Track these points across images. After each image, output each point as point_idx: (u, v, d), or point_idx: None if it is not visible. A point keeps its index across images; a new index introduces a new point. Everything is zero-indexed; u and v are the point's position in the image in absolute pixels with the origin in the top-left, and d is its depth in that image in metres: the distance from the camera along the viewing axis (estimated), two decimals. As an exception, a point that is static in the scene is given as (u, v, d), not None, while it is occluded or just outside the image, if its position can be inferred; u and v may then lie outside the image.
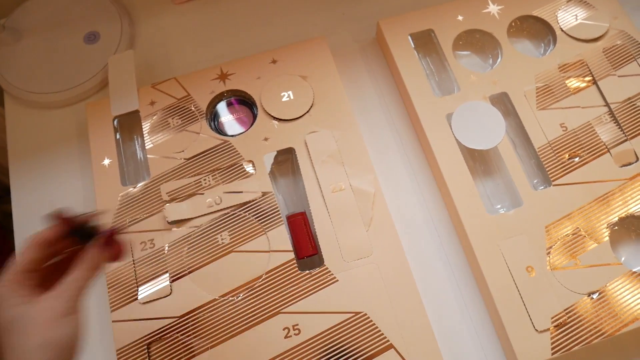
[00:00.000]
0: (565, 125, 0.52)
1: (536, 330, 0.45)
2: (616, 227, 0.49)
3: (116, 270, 0.48)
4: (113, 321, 0.47)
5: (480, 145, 0.51)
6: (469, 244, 0.48)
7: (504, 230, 0.48)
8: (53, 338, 0.31)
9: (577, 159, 0.51)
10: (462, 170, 0.50)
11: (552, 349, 0.44)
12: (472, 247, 0.47)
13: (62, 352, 0.31)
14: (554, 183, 0.50)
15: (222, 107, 0.56)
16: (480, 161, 0.53)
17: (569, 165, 0.50)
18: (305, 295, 0.46)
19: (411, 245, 0.50)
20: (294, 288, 0.46)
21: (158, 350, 0.46)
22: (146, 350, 0.45)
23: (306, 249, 0.48)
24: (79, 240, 0.37)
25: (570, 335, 0.44)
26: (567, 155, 0.51)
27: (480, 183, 0.52)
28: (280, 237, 0.48)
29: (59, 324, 0.31)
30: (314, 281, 0.47)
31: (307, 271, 0.47)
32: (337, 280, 0.47)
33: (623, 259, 0.48)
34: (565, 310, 0.45)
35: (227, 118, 0.55)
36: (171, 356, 0.45)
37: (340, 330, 0.45)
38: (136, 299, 0.47)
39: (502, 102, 0.54)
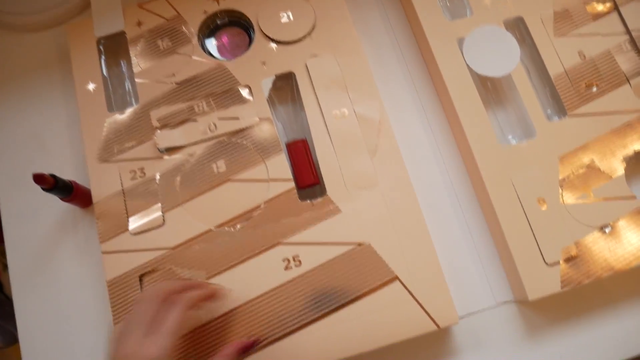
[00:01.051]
0: (584, 54, 0.49)
1: (546, 263, 0.43)
2: (632, 161, 0.47)
3: (104, 200, 0.45)
4: (103, 252, 0.44)
5: (493, 72, 0.48)
6: (479, 175, 0.45)
7: (515, 161, 0.45)
8: None
9: (594, 89, 0.48)
10: (474, 98, 0.47)
11: (562, 282, 0.42)
12: (482, 177, 0.45)
13: None
14: (569, 113, 0.47)
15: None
16: (492, 90, 0.50)
17: (586, 96, 0.48)
18: (306, 226, 0.44)
19: (418, 176, 0.47)
20: (294, 218, 0.44)
21: (151, 281, 0.43)
22: (138, 282, 0.43)
23: (307, 177, 0.45)
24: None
25: (580, 269, 0.43)
26: (584, 85, 0.48)
27: (491, 112, 0.49)
28: (280, 165, 0.45)
29: None
30: (316, 211, 0.44)
31: (309, 201, 0.45)
32: (340, 211, 0.44)
33: (638, 193, 0.46)
34: (576, 243, 0.43)
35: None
36: (165, 288, 0.43)
37: (344, 261, 0.43)
38: (127, 230, 0.45)
39: (518, 27, 0.51)
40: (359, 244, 0.43)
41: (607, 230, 0.44)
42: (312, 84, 0.47)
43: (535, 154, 0.46)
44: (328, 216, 0.44)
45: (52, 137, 0.50)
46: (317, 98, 0.47)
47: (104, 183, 0.46)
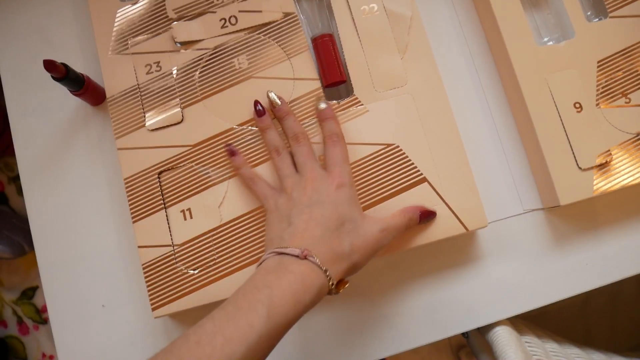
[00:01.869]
0: (629, -49, 0.46)
1: (580, 168, 0.42)
2: (673, 66, 0.45)
3: (119, 95, 0.43)
4: (119, 149, 0.42)
5: (532, -32, 0.45)
6: (514, 77, 0.43)
7: (552, 63, 0.43)
8: (366, 256, 0.36)
9: (638, -10, 0.45)
10: (511, -3, 0.44)
11: (595, 187, 0.41)
12: (518, 79, 0.43)
13: (357, 266, 0.36)
14: (610, 15, 0.44)
15: None
16: (530, -11, 0.47)
17: (628, -4, 0.45)
18: (332, 125, 0.42)
19: (448, 78, 0.45)
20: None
21: (170, 179, 0.42)
22: (157, 179, 0.42)
23: (334, 74, 0.43)
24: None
25: (613, 175, 0.42)
26: (627, -15, 0.45)
27: (529, 14, 0.47)
28: (305, 63, 0.43)
29: (372, 252, 0.37)
30: (343, 111, 0.42)
31: (335, 101, 0.42)
32: (368, 111, 0.42)
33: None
34: (611, 149, 0.42)
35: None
36: (185, 185, 0.41)
37: (370, 161, 0.41)
38: (143, 125, 0.42)
39: None
40: (387, 145, 0.42)
41: (643, 136, 0.43)
42: (340, -24, 0.44)
43: (573, 56, 0.43)
44: (355, 116, 0.42)
45: (60, 30, 0.47)
46: (345, -8, 0.44)
47: (117, 77, 0.43)
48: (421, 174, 0.41)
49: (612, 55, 0.44)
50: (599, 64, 0.44)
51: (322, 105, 0.41)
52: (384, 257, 0.42)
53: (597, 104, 0.43)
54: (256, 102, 0.41)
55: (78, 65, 0.45)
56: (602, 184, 0.41)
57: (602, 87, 0.43)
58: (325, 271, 0.34)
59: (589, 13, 0.46)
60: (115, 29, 0.44)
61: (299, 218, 0.36)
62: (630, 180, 0.42)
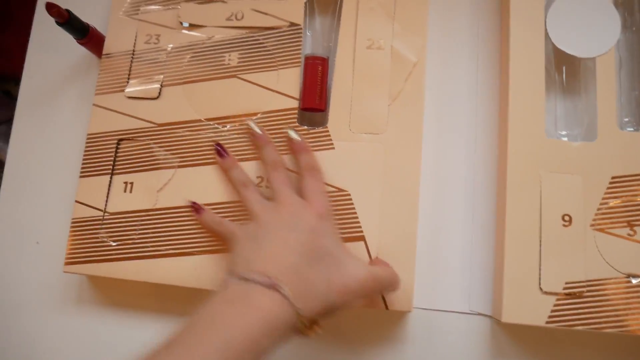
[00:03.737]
0: None
1: (541, 289, 0.36)
2: None
3: (114, 54, 0.44)
4: (94, 105, 0.43)
5: (576, 50, 0.38)
6: (505, 162, 0.38)
7: (556, 162, 0.37)
8: (344, 299, 0.31)
9: (698, 111, 0.37)
10: (537, 75, 0.38)
11: (550, 317, 0.35)
12: (507, 165, 0.37)
13: (333, 309, 0.31)
14: (650, 130, 0.37)
15: None
16: (565, 72, 0.41)
17: (683, 115, 0.37)
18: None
19: (435, 141, 0.41)
20: (284, 139, 0.40)
21: (127, 149, 0.42)
22: (115, 145, 0.42)
23: (312, 100, 0.40)
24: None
25: (581, 311, 0.35)
26: (686, 102, 0.38)
27: (553, 99, 0.40)
28: (292, 79, 0.41)
29: (352, 296, 0.32)
30: (309, 140, 0.39)
31: (305, 127, 0.40)
32: (334, 148, 0.39)
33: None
34: (588, 281, 0.35)
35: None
36: (137, 160, 0.42)
37: (315, 200, 0.38)
38: (122, 90, 0.43)
39: (630, 5, 0.40)
40: (338, 189, 0.38)
41: (634, 281, 0.35)
42: (358, 1, 0.41)
43: (584, 161, 0.37)
44: (319, 149, 0.39)
45: None
46: (357, 17, 0.41)
47: (119, 37, 0.44)
48: (361, 231, 0.38)
49: (635, 175, 0.37)
50: (614, 179, 0.37)
51: (295, 136, 0.38)
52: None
53: (592, 225, 0.36)
54: (216, 144, 0.40)
55: (92, 18, 0.47)
56: (560, 317, 0.35)
57: (606, 208, 0.36)
58: (296, 308, 0.29)
59: (625, 119, 0.39)
60: (130, -4, 0.45)
61: (271, 242, 0.32)
62: (598, 325, 0.35)
